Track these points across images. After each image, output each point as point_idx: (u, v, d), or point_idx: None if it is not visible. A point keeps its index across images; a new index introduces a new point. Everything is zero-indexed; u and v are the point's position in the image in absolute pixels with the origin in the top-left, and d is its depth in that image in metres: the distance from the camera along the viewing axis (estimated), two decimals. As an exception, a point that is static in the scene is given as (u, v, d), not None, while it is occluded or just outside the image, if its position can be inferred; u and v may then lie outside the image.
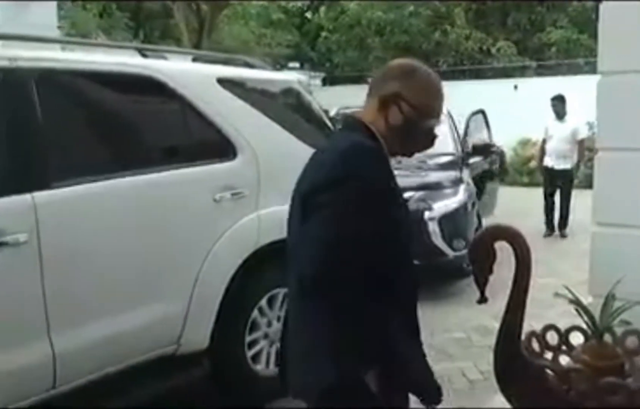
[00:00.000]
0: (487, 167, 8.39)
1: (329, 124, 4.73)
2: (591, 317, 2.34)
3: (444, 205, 5.98)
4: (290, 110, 4.49)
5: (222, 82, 3.89)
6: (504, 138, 10.34)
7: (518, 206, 8.79)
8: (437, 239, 5.87)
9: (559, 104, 8.97)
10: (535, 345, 2.58)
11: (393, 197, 1.74)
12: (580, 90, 10.14)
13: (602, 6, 2.72)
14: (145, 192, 3.40)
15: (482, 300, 2.39)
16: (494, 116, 10.33)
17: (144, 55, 3.76)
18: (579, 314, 2.40)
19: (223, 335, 3.66)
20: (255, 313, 3.86)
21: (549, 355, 2.58)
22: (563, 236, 9.00)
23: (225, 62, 4.37)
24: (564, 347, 2.60)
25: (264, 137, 3.97)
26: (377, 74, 1.89)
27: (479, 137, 8.01)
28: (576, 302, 2.37)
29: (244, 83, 4.11)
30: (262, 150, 3.90)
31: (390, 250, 1.68)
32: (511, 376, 2.39)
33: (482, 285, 2.34)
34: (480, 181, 7.90)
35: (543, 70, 17.17)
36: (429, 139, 1.83)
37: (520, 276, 2.36)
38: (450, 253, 5.97)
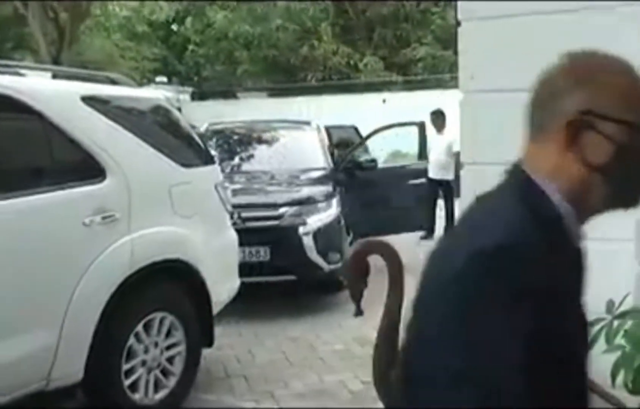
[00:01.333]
0: None
1: (199, 141, 4.68)
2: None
3: (318, 219, 6.07)
4: (158, 128, 4.38)
5: (87, 100, 3.72)
6: (377, 150, 10.73)
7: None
8: (312, 253, 5.93)
9: (438, 119, 9.50)
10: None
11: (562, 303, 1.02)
12: (446, 104, 10.79)
13: (460, 28, 2.88)
14: (5, 218, 3.16)
15: (358, 312, 2.46)
16: (365, 129, 10.70)
17: None
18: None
19: (98, 365, 3.48)
20: (132, 340, 3.70)
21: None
22: None
23: (89, 79, 4.18)
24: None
25: (133, 157, 3.84)
26: (539, 88, 1.10)
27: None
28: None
29: (109, 102, 3.96)
30: (131, 170, 3.76)
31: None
32: (390, 384, 2.45)
33: (357, 298, 2.40)
34: None
35: (410, 85, 17.96)
36: None
37: (394, 288, 2.43)
38: (326, 266, 6.06)
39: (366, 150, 9.13)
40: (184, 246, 4.01)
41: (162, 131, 4.34)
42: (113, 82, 4.23)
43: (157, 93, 4.52)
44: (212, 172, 4.53)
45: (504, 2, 2.68)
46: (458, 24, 2.92)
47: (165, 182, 3.99)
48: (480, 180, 2.79)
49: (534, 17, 2.63)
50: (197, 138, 4.54)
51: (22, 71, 3.75)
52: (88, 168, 3.59)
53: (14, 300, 3.15)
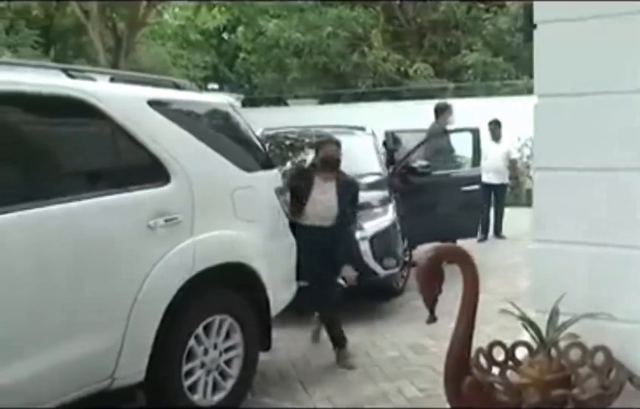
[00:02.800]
0: None
1: (260, 146, 4.69)
2: (539, 332, 2.39)
3: (375, 224, 6.03)
4: (221, 132, 4.41)
5: (153, 104, 3.79)
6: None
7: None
8: (368, 258, 5.90)
9: (495, 128, 10.44)
10: (483, 361, 2.61)
11: None
12: (498, 110, 10.89)
13: (536, 31, 2.82)
14: (75, 220, 3.24)
15: (432, 319, 2.42)
16: (417, 135, 10.77)
17: (70, 76, 3.57)
18: (526, 329, 2.45)
19: (159, 366, 3.52)
20: (192, 341, 3.73)
21: (495, 371, 2.61)
22: (501, 238, 10.27)
23: (154, 84, 4.25)
24: (510, 362, 2.64)
25: (197, 161, 3.88)
26: None
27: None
28: (524, 318, 2.42)
29: (174, 106, 4.02)
30: (195, 173, 3.80)
31: None
32: (462, 394, 2.40)
33: (430, 305, 2.37)
34: None
35: (460, 92, 17.74)
36: None
37: (468, 296, 2.39)
38: (382, 272, 6.02)
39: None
40: (245, 250, 4.02)
41: (224, 135, 4.37)
42: (177, 86, 4.29)
43: (220, 98, 4.55)
44: (273, 177, 4.55)
45: (583, 2, 2.60)
46: (534, 26, 2.85)
47: (227, 185, 4.02)
48: (555, 186, 2.71)
49: (613, 18, 2.55)
50: (258, 142, 4.55)
51: (93, 76, 3.82)
52: (153, 171, 3.64)
53: (80, 300, 3.21)
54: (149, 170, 3.63)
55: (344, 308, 6.21)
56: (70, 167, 3.44)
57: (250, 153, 4.47)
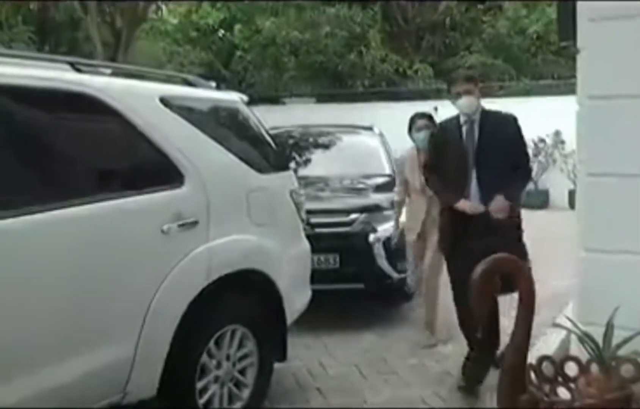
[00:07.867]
0: None
1: (274, 146, 4.48)
2: (597, 347, 2.22)
3: (388, 227, 5.83)
4: (235, 131, 4.20)
5: (165, 101, 3.57)
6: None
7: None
8: (382, 261, 5.71)
9: None
10: (533, 377, 2.43)
11: None
12: None
13: (580, 29, 2.65)
14: (83, 225, 3.02)
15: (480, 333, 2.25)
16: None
17: (78, 70, 3.34)
18: (582, 343, 2.27)
19: (172, 381, 3.31)
20: (204, 357, 3.51)
21: (546, 387, 2.44)
22: None
23: (165, 80, 4.03)
24: (559, 378, 2.46)
25: (211, 162, 3.67)
26: None
27: None
28: (581, 332, 2.25)
29: (187, 103, 3.80)
30: (210, 175, 3.60)
31: None
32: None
33: (483, 319, 2.20)
34: None
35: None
36: None
37: (524, 309, 2.21)
38: (395, 275, 5.83)
39: None
40: (261, 255, 3.82)
41: (238, 134, 4.17)
42: (189, 83, 4.07)
43: (234, 95, 4.33)
44: (288, 178, 4.34)
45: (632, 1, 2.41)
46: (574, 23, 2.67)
47: (242, 187, 3.81)
48: (608, 192, 2.52)
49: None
50: (272, 142, 4.35)
51: (102, 70, 3.59)
52: (166, 173, 3.43)
53: (92, 310, 3.01)
54: (162, 171, 3.42)
55: (354, 312, 6.05)
56: (79, 168, 3.21)
57: (264, 154, 4.25)
